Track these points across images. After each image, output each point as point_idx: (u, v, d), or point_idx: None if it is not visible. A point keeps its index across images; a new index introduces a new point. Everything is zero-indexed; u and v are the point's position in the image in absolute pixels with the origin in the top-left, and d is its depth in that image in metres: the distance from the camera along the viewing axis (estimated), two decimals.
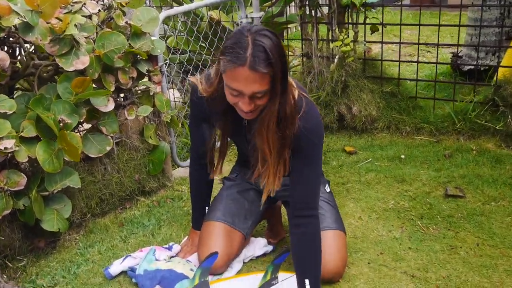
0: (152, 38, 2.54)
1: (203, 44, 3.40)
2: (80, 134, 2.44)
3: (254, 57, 1.37)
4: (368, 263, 2.05)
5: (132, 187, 2.64)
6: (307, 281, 1.64)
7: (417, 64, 3.36)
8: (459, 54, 4.14)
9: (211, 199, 2.12)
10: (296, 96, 1.61)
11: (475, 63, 3.93)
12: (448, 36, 5.97)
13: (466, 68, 4.01)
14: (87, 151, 2.31)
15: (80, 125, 2.39)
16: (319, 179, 1.72)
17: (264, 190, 1.71)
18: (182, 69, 3.81)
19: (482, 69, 3.74)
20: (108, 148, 2.37)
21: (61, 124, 2.08)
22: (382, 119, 3.24)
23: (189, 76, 3.60)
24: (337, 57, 3.16)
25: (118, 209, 2.61)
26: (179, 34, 4.07)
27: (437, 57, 3.39)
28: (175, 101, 3.81)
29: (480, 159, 2.82)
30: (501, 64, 3.36)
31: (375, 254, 2.11)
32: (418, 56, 3.30)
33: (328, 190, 2.06)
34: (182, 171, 3.25)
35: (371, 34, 3.47)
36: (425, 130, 3.16)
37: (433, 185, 2.63)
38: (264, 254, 2.14)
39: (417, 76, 3.35)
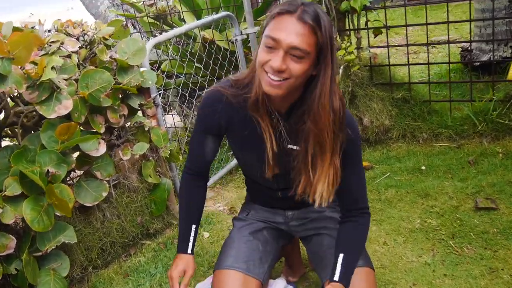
0: (142, 69, 2.38)
1: (199, 65, 3.25)
2: (73, 182, 2.29)
3: (304, 11, 1.30)
4: None
5: (135, 232, 2.47)
6: (341, 256, 1.52)
7: (428, 66, 3.17)
8: (469, 48, 3.94)
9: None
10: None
11: (487, 56, 3.75)
12: (452, 29, 5.77)
13: (479, 62, 3.81)
14: (82, 200, 2.15)
15: (72, 172, 2.23)
16: (364, 179, 1.64)
17: (315, 199, 1.52)
18: (179, 94, 3.65)
19: (495, 62, 3.55)
20: (105, 194, 2.21)
21: (49, 177, 1.92)
22: (396, 128, 3.06)
23: (186, 100, 3.45)
24: (341, 67, 2.98)
25: (122, 257, 2.44)
26: (172, 58, 3.93)
27: (449, 57, 3.19)
28: (175, 126, 3.66)
29: (508, 163, 2.62)
30: None
31: (408, 286, 1.92)
32: (428, 57, 3.11)
33: None
34: None
35: (374, 37, 3.29)
36: (443, 135, 2.97)
37: (461, 198, 2.43)
38: None
39: (429, 78, 3.17)
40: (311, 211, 1.85)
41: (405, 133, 3.05)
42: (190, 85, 3.23)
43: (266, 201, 1.87)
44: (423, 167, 2.74)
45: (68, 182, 2.28)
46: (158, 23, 4.37)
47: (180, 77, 3.57)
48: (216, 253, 2.38)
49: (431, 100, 3.07)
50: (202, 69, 3.25)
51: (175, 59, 3.89)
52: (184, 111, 3.95)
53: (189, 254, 1.71)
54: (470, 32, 3.12)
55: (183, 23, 4.48)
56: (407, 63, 3.08)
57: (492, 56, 3.17)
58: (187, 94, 3.15)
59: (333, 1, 3.05)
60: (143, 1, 4.93)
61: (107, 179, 2.28)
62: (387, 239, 2.25)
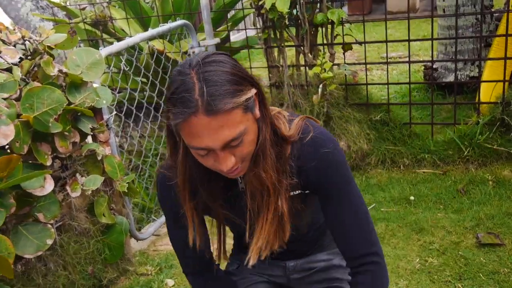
0: (94, 85, 2.03)
1: (144, 80, 2.92)
2: (6, 227, 1.87)
3: (206, 96, 1.01)
4: None
5: (86, 285, 2.08)
6: None
7: (409, 85, 3.05)
8: (434, 67, 3.91)
9: None
10: (286, 123, 1.22)
11: (453, 75, 3.73)
12: (402, 46, 5.83)
13: (443, 82, 3.78)
14: (21, 251, 1.76)
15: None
16: (362, 213, 1.29)
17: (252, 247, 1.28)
18: (124, 111, 3.27)
19: (459, 82, 3.52)
20: (50, 242, 1.83)
21: None
22: (375, 153, 2.90)
23: (131, 121, 3.09)
24: (320, 86, 2.78)
25: None
26: (115, 71, 3.54)
27: (409, 76, 3.07)
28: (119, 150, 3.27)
29: (502, 191, 2.52)
30: (482, 78, 3.14)
31: None
32: (410, 75, 2.98)
33: None
34: (141, 244, 2.72)
35: (343, 53, 3.13)
36: (426, 161, 2.85)
37: (460, 232, 2.28)
38: None
39: (410, 99, 3.04)
40: (316, 260, 1.59)
41: (384, 158, 2.89)
42: (137, 98, 2.87)
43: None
44: (412, 197, 2.58)
45: (0, 228, 1.86)
46: (97, 30, 3.96)
47: (123, 90, 3.20)
48: None
49: (412, 123, 2.95)
50: (155, 83, 2.91)
51: (117, 73, 3.51)
52: (129, 133, 3.57)
53: None
54: (432, 51, 3.04)
55: (123, 31, 4.11)
56: (386, 82, 2.93)
57: (455, 76, 3.11)
58: (134, 108, 2.79)
59: (306, 12, 2.85)
60: (77, 5, 4.50)
61: (52, 222, 1.89)
62: None
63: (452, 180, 2.71)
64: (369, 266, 1.28)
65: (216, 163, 1.10)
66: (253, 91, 1.07)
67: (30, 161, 1.81)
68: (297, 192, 1.29)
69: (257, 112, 1.10)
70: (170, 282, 2.26)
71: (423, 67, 4.15)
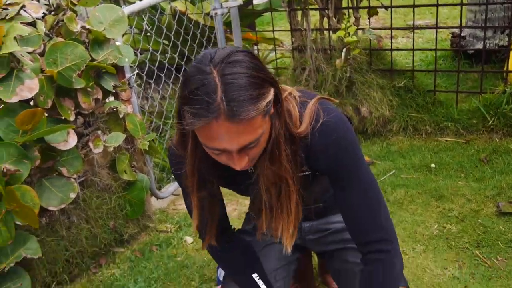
0: (117, 43, 2.04)
1: (166, 42, 2.92)
2: (31, 180, 1.93)
3: (229, 102, 0.98)
4: None
5: (108, 238, 2.14)
6: None
7: (435, 52, 2.99)
8: (462, 34, 3.81)
9: None
10: (297, 108, 1.21)
11: (481, 44, 3.63)
12: (428, 13, 5.68)
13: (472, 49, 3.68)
14: (46, 204, 1.82)
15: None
16: (373, 198, 1.26)
17: (284, 236, 1.29)
18: (145, 72, 3.29)
19: (486, 50, 3.43)
20: (73, 196, 1.89)
21: (7, 176, 1.57)
22: (397, 120, 2.88)
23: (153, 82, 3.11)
24: (344, 50, 2.75)
25: (91, 269, 2.12)
26: (135, 32, 3.55)
27: (436, 43, 3.00)
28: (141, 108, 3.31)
29: None
30: None
31: None
32: (436, 42, 2.91)
33: None
34: (161, 202, 2.78)
35: (368, 18, 3.08)
36: (449, 129, 2.82)
37: (480, 201, 2.27)
38: None
39: (435, 66, 2.99)
40: (332, 221, 1.61)
41: (406, 125, 2.87)
42: (166, 63, 2.88)
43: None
44: (433, 165, 2.57)
45: (25, 181, 1.92)
46: None
47: (145, 52, 3.22)
48: (205, 262, 2.11)
49: (436, 90, 2.91)
50: (177, 45, 2.91)
51: (138, 34, 3.51)
52: (151, 92, 3.60)
53: None
54: (461, 18, 2.97)
55: None
56: (411, 48, 2.89)
57: (483, 44, 3.03)
58: (155, 69, 2.80)
59: None
60: None
61: (75, 176, 1.94)
62: (404, 247, 2.06)
63: (475, 149, 2.68)
64: (378, 255, 1.26)
65: (229, 161, 1.10)
66: (272, 92, 1.05)
67: (54, 116, 1.85)
68: (307, 173, 1.29)
69: (272, 109, 1.08)
70: (189, 239, 2.32)
71: (450, 36, 4.05)
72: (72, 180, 1.92)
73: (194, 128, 1.02)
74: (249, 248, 1.57)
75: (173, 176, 2.95)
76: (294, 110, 1.20)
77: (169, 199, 2.80)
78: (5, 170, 1.57)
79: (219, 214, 1.37)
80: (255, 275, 1.49)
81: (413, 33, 2.99)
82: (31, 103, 1.71)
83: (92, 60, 1.88)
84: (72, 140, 1.82)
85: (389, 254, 1.25)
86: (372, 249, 1.26)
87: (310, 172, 1.28)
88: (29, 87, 1.59)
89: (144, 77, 2.61)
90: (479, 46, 3.66)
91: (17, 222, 1.62)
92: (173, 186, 2.76)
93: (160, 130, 3.09)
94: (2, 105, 1.62)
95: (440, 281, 1.86)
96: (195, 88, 0.99)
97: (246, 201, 2.61)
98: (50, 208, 1.84)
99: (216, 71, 0.98)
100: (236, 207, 2.55)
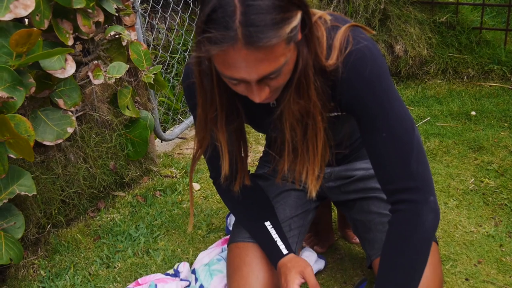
0: None
1: None
2: (25, 112, 1.98)
3: (248, 27, 0.98)
4: (466, 279, 1.72)
5: (107, 180, 2.21)
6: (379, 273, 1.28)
7: None
8: None
9: None
10: (325, 35, 1.19)
11: None
12: None
13: None
14: (41, 138, 1.87)
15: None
16: (404, 139, 1.24)
17: (309, 179, 1.31)
18: None
19: None
20: (70, 130, 1.94)
21: (0, 104, 1.62)
22: (436, 61, 2.88)
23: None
24: None
25: (89, 212, 2.19)
26: None
27: None
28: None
29: None
30: None
31: (472, 264, 1.79)
32: None
33: None
34: (166, 146, 2.83)
35: None
36: (495, 73, 2.82)
37: None
38: (316, 273, 1.78)
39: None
40: (355, 168, 1.64)
41: (446, 67, 2.87)
42: None
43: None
44: (473, 113, 2.58)
45: (18, 111, 1.97)
46: None
47: None
48: (213, 211, 2.18)
49: (482, 28, 2.87)
50: None
51: None
52: (156, 21, 3.60)
53: (287, 254, 1.47)
54: None
55: None
56: None
57: None
58: None
59: None
60: None
61: (72, 109, 1.99)
62: None
63: None
64: (405, 205, 1.24)
65: (248, 93, 1.12)
66: (299, 16, 1.04)
67: (50, 40, 1.87)
68: (334, 114, 1.30)
69: (299, 35, 1.07)
70: (196, 185, 2.38)
71: None
72: (70, 113, 1.96)
73: (210, 55, 1.04)
74: (263, 194, 1.61)
75: (180, 117, 2.99)
76: (322, 37, 1.21)
77: (174, 142, 2.86)
78: None
79: (247, 150, 1.42)
80: (267, 223, 1.53)
81: None
82: (26, 23, 1.73)
83: None
84: (70, 68, 1.84)
85: (418, 205, 1.23)
86: (400, 199, 1.25)
87: (337, 112, 1.30)
88: (24, 4, 1.60)
89: (151, 2, 2.60)
90: None
91: (10, 155, 1.68)
92: (179, 128, 2.80)
93: (165, 65, 3.11)
94: None
95: (473, 238, 1.90)
96: (212, 10, 0.99)
97: (260, 147, 2.65)
98: (45, 142, 1.89)
99: (231, 11, 0.97)
100: (249, 153, 2.60)
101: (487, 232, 1.93)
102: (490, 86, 2.80)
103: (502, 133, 2.46)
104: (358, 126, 1.28)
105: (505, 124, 2.52)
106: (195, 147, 1.37)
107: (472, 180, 2.20)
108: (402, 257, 1.24)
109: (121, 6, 2.13)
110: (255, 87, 1.09)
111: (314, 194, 1.31)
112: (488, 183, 2.18)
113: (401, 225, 1.25)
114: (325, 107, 1.22)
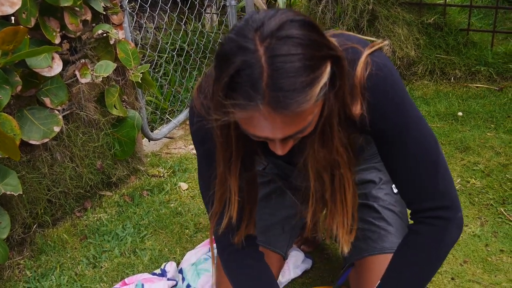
0: None
1: None
2: (11, 111, 1.97)
3: (276, 91, 0.92)
4: (452, 278, 1.75)
5: (94, 180, 2.21)
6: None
7: None
8: None
9: None
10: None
11: None
12: None
13: None
14: (27, 137, 1.87)
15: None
16: (429, 158, 1.20)
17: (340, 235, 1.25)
18: None
19: None
20: (57, 129, 1.94)
21: None
22: (423, 61, 2.92)
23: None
24: None
25: (75, 212, 2.19)
26: None
27: None
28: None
29: None
30: None
31: (458, 263, 1.81)
32: None
33: (395, 190, 1.65)
34: (153, 145, 2.83)
35: None
36: (482, 74, 2.86)
37: (509, 154, 2.33)
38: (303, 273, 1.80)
39: (471, 1, 2.98)
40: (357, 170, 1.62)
41: (433, 68, 2.90)
42: None
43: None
44: (460, 113, 2.61)
45: (4, 110, 1.96)
46: None
47: None
48: (200, 210, 2.18)
49: (470, 29, 2.91)
50: None
51: None
52: (144, 20, 3.59)
53: None
54: None
55: None
56: None
57: None
58: None
59: None
60: None
61: (59, 108, 1.98)
62: None
63: (508, 97, 2.72)
64: (434, 220, 1.22)
65: (271, 145, 1.08)
66: (329, 68, 0.96)
67: (37, 38, 1.87)
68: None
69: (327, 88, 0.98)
70: (184, 185, 2.38)
71: None
72: (56, 112, 1.96)
73: (234, 118, 0.98)
74: (266, 272, 1.43)
75: (168, 117, 2.99)
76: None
77: (161, 142, 2.86)
78: None
79: (257, 199, 1.33)
80: None
81: None
82: (12, 20, 1.72)
83: None
84: (57, 66, 1.84)
85: (447, 222, 1.21)
86: (429, 216, 1.22)
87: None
88: (10, 1, 1.60)
89: (139, 0, 2.60)
90: None
91: None
92: (167, 128, 2.81)
93: (153, 65, 3.11)
94: None
95: (460, 239, 1.92)
96: (236, 71, 0.93)
97: None
98: (32, 141, 1.88)
99: (264, 49, 0.91)
100: None
101: (473, 232, 1.96)
102: (477, 87, 2.83)
103: (488, 133, 2.49)
104: (380, 145, 1.24)
105: (491, 125, 2.55)
106: (215, 205, 1.26)
107: (458, 180, 2.22)
108: (418, 265, 1.25)
109: (109, 5, 2.13)
110: (279, 143, 1.06)
111: (346, 250, 1.24)
112: (474, 183, 2.20)
113: (426, 237, 1.24)
114: (353, 155, 1.17)
